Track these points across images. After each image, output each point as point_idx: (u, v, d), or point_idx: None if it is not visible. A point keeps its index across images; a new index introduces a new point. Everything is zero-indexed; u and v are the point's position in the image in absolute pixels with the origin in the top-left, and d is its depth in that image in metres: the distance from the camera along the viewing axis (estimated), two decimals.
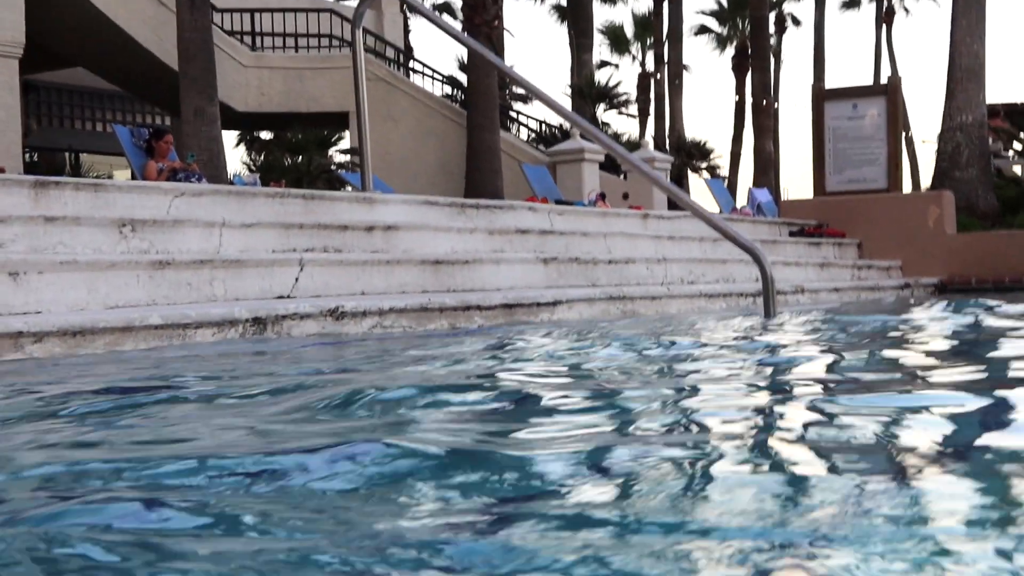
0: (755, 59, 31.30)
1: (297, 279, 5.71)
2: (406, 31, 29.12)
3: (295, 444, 1.93)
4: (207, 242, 5.76)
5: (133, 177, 26.52)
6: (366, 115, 8.04)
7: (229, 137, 24.33)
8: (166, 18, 18.09)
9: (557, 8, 39.65)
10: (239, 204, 6.52)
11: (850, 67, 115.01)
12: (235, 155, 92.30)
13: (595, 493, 1.56)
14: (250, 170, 21.07)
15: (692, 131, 60.85)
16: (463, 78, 25.48)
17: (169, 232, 5.60)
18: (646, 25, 39.62)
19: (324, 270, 5.92)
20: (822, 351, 4.10)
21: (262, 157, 26.68)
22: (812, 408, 2.38)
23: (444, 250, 7.15)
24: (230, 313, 4.80)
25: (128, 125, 25.43)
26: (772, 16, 36.32)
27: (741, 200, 24.30)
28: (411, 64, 23.75)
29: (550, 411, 2.39)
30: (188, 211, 6.10)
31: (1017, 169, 23.72)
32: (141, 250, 5.40)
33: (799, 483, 1.60)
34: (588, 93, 26.61)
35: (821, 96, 14.93)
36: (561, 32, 69.25)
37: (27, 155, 22.16)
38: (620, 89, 28.94)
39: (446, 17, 34.63)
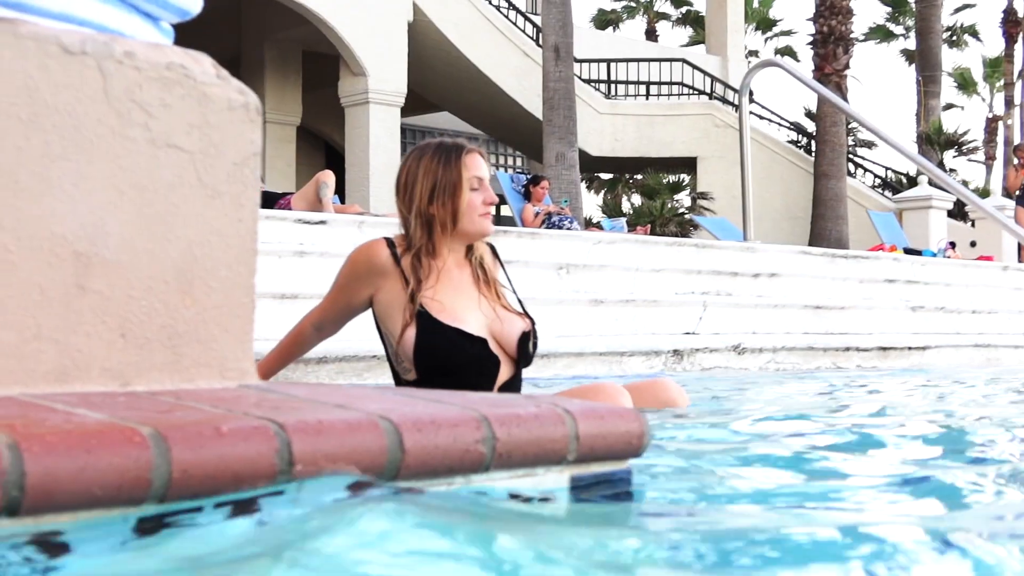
0: None
1: (701, 318, 6.56)
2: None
3: None
4: (623, 283, 6.71)
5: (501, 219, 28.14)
6: (750, 172, 8.82)
7: None
8: (530, 68, 19.54)
9: (905, 52, 39.14)
10: (644, 250, 7.46)
11: None
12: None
13: None
14: (603, 212, 22.24)
15: None
16: (807, 124, 25.86)
17: (595, 273, 6.59)
18: (996, 65, 38.54)
19: (721, 311, 6.74)
20: None
21: (602, 196, 27.95)
22: None
23: (821, 296, 7.83)
24: (656, 345, 5.70)
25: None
26: None
27: None
28: (755, 110, 24.37)
29: None
30: (605, 257, 7.09)
31: None
32: (574, 288, 6.39)
33: None
34: (936, 140, 26.39)
35: None
36: (907, 75, 67.81)
37: None
38: (968, 136, 28.48)
39: (787, 60, 34.93)
